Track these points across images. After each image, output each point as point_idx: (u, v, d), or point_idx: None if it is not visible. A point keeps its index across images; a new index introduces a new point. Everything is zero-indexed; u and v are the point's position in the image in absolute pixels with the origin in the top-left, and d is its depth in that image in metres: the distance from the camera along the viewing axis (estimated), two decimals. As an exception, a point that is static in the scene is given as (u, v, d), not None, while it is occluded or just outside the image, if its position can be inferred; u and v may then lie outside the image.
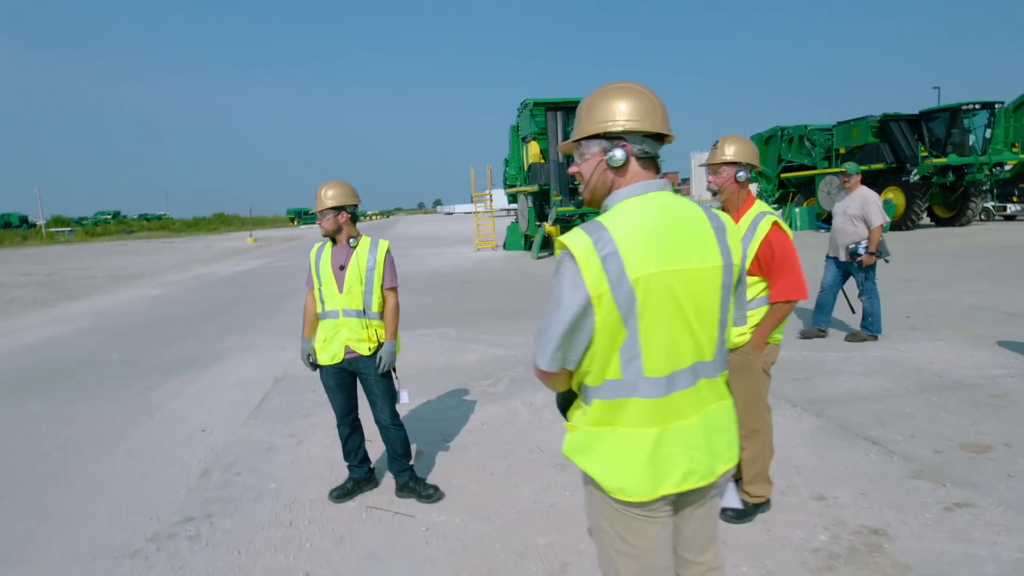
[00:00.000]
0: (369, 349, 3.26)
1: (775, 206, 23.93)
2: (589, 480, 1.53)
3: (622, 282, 1.35)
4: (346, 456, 3.49)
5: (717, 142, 2.85)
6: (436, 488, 3.42)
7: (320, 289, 3.27)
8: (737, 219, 2.69)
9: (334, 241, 3.28)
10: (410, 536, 3.06)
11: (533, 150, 18.09)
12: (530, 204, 18.65)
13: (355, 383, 3.43)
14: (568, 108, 17.28)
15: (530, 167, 18.26)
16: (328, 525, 3.20)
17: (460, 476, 3.70)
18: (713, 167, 2.92)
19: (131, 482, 3.87)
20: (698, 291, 1.44)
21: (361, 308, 3.23)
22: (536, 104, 17.36)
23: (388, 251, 3.34)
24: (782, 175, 23.72)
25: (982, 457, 3.51)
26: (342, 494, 3.44)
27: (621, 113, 1.46)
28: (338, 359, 3.26)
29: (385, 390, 3.35)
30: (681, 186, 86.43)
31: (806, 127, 22.43)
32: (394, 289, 3.34)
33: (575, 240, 1.38)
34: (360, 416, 3.50)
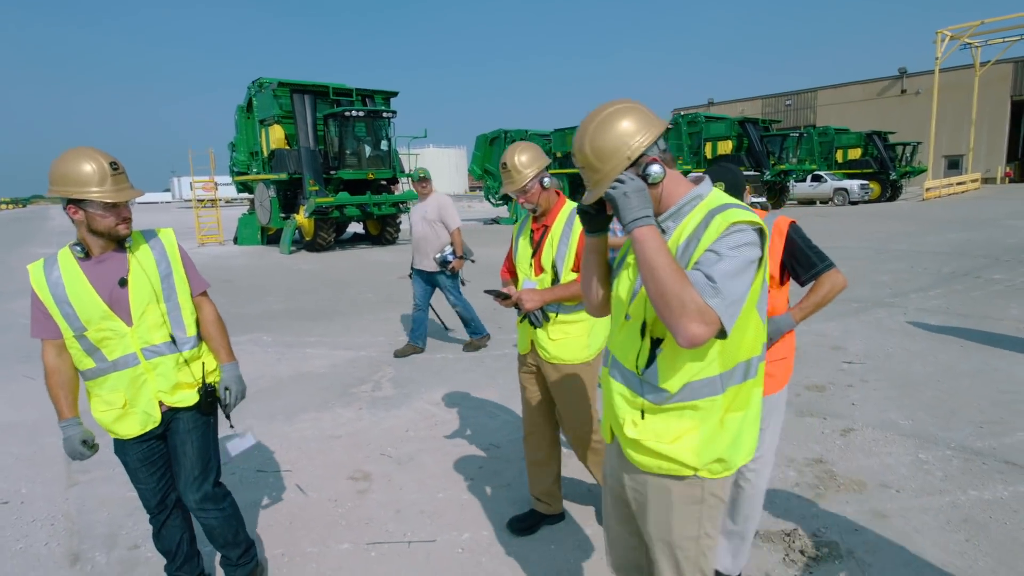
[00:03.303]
0: (197, 393, 2.24)
1: (500, 203, 26.14)
2: (690, 478, 1.53)
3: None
4: (166, 555, 2.41)
5: (505, 164, 2.68)
6: None
7: (84, 336, 2.07)
8: (551, 220, 2.69)
9: (86, 252, 2.07)
10: None
11: (277, 134, 16.46)
12: (272, 194, 16.92)
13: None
14: (317, 92, 16.16)
15: (273, 153, 16.57)
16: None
17: (431, 490, 3.34)
18: (521, 190, 2.63)
19: (-54, 599, 2.52)
20: None
21: (169, 339, 2.18)
22: (281, 84, 15.81)
23: (177, 242, 2.29)
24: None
25: (825, 394, 4.57)
26: None
27: (629, 135, 1.45)
28: (152, 424, 2.17)
29: (202, 448, 2.27)
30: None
31: (527, 132, 24.99)
32: (206, 293, 2.37)
33: (754, 218, 1.42)
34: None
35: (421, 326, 6.03)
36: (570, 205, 2.74)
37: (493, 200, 25.24)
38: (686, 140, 25.80)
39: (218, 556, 2.58)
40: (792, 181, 28.14)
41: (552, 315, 2.65)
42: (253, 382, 5.21)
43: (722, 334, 1.37)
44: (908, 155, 31.65)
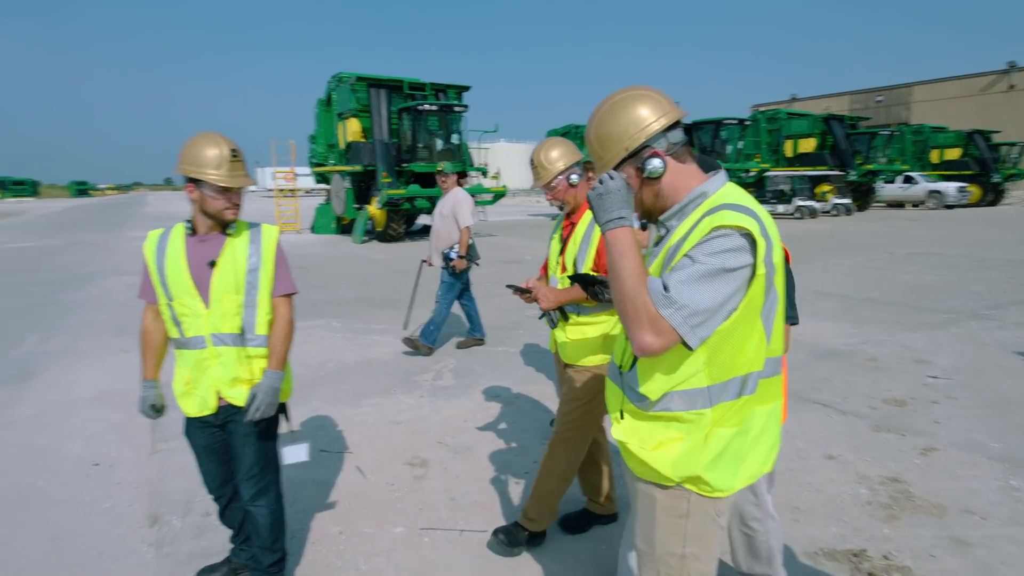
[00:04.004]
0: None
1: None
2: (680, 490, 1.45)
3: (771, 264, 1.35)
4: (231, 529, 2.55)
5: (532, 160, 2.65)
6: None
7: (171, 304, 2.17)
8: (579, 218, 2.61)
9: (193, 229, 2.19)
10: None
11: (353, 127, 16.97)
12: (347, 185, 17.50)
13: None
14: (392, 86, 16.59)
15: (349, 146, 17.12)
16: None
17: (486, 481, 3.37)
18: (547, 186, 2.61)
19: (43, 551, 2.76)
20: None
21: (238, 330, 2.20)
22: (359, 79, 16.31)
23: (278, 241, 2.31)
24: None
25: (906, 409, 4.29)
26: None
27: (632, 124, 1.40)
28: (209, 410, 2.21)
29: (260, 449, 2.29)
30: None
31: (598, 127, 24.72)
32: (290, 297, 2.33)
33: (744, 220, 1.30)
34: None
35: (473, 319, 6.08)
36: None
37: (561, 196, 25.14)
38: (765, 138, 24.81)
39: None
40: (880, 182, 26.53)
41: (572, 315, 2.58)
42: (321, 366, 5.42)
43: (686, 346, 1.29)
44: (1014, 156, 29.19)
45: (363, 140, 16.93)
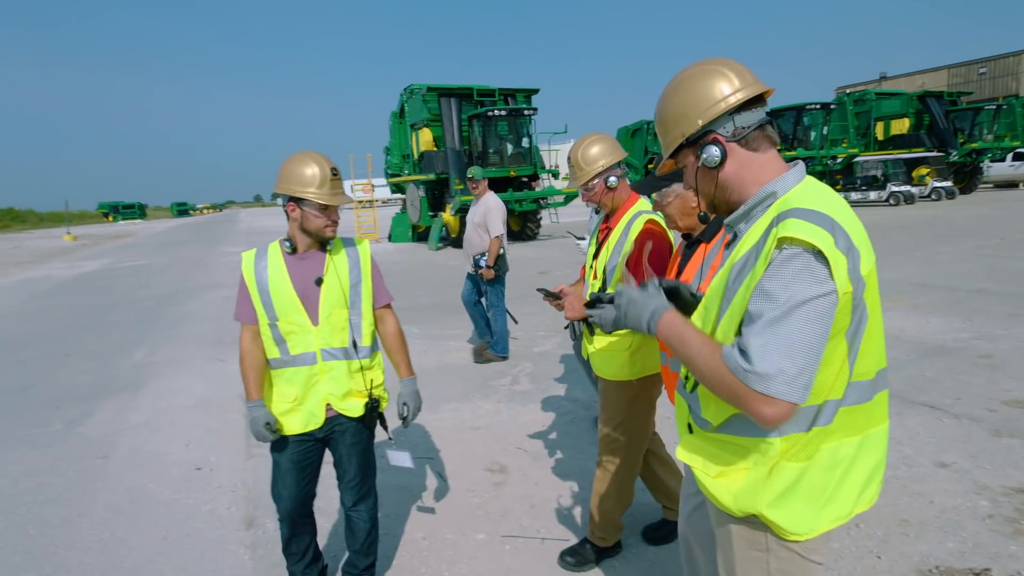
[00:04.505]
0: (364, 407, 2.28)
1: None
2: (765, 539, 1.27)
3: (859, 279, 1.14)
4: (288, 556, 2.44)
5: (570, 158, 2.50)
6: None
7: (276, 325, 2.17)
8: (615, 223, 2.46)
9: (293, 247, 2.20)
10: None
11: (425, 137, 17.41)
12: (422, 194, 17.94)
13: (321, 458, 2.37)
14: (462, 94, 16.86)
15: (422, 155, 17.56)
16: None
17: (566, 488, 3.31)
18: (584, 187, 2.48)
19: (153, 550, 2.96)
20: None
21: (348, 344, 2.24)
22: (429, 89, 16.70)
23: (371, 254, 2.37)
24: (648, 166, 25.32)
25: (1030, 411, 3.87)
26: None
27: (696, 106, 1.24)
28: (315, 424, 2.23)
29: (363, 460, 2.36)
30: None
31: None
32: (390, 306, 2.41)
33: (812, 233, 1.09)
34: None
35: (478, 324, 5.95)
36: (636, 207, 2.45)
37: (634, 194, 24.73)
38: (852, 121, 23.37)
39: (341, 563, 2.64)
40: (986, 161, 24.37)
41: (597, 327, 2.45)
42: (401, 371, 5.55)
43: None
44: None
45: (435, 149, 17.32)
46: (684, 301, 1.38)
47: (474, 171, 5.84)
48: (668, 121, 1.29)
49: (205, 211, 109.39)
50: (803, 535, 1.22)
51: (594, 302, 1.46)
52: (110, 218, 76.33)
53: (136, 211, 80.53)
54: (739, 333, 1.15)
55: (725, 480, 1.28)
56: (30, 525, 3.24)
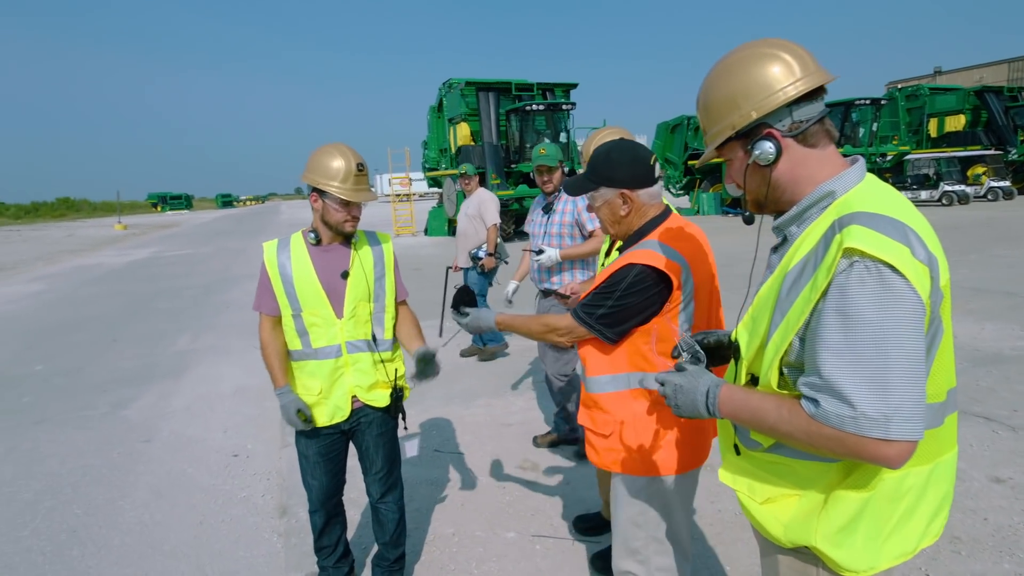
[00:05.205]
0: (389, 397, 2.30)
1: (682, 193, 25.07)
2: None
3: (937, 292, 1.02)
4: (319, 551, 2.47)
5: (582, 152, 2.38)
6: None
7: (300, 316, 2.17)
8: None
9: (318, 239, 2.19)
10: None
11: (463, 131, 17.43)
12: (458, 188, 17.96)
13: (347, 449, 2.39)
14: (500, 89, 16.83)
15: (459, 149, 17.60)
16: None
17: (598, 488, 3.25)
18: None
19: (191, 534, 3.03)
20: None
21: (371, 337, 2.24)
22: (468, 84, 16.72)
23: (393, 249, 2.36)
24: (689, 162, 24.85)
25: (1095, 426, 3.65)
26: None
27: (747, 94, 1.10)
28: (341, 417, 2.23)
29: (390, 450, 2.38)
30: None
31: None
32: (406, 302, 2.42)
33: (886, 247, 0.96)
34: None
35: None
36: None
37: (674, 190, 24.35)
38: (904, 118, 22.53)
39: (370, 556, 2.67)
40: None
41: None
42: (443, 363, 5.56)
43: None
44: None
45: (472, 144, 17.34)
46: (725, 350, 1.29)
47: (466, 167, 5.88)
48: (715, 109, 1.15)
49: (248, 203, 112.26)
50: (861, 573, 1.11)
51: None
52: (158, 208, 79.10)
53: (183, 202, 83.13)
54: (788, 359, 1.07)
55: (774, 507, 1.17)
56: (75, 504, 3.35)
